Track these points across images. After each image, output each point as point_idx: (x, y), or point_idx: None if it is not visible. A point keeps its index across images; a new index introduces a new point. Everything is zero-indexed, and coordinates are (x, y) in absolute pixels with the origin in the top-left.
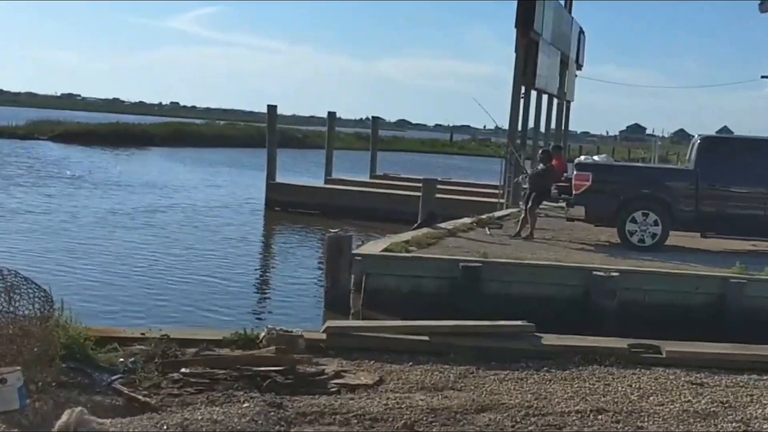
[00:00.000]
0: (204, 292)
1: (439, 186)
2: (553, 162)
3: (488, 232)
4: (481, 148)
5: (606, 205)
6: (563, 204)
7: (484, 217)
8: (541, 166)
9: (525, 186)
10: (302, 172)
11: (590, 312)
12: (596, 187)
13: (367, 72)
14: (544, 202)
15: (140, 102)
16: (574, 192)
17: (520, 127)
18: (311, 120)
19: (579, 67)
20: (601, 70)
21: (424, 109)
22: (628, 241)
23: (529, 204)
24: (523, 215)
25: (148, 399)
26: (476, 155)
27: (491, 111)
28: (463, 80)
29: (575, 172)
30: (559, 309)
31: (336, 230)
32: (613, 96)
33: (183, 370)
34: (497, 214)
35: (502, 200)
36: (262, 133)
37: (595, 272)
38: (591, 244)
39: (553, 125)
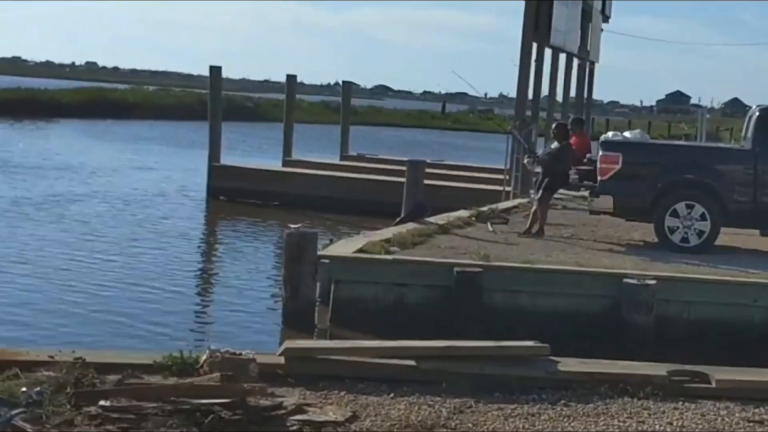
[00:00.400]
0: (130, 304)
1: (428, 170)
2: (572, 139)
3: (491, 229)
4: (481, 122)
5: (640, 194)
6: (585, 193)
7: (485, 209)
8: (554, 144)
9: (537, 170)
10: (254, 151)
11: (620, 330)
12: (627, 171)
13: (336, 24)
14: (561, 191)
15: (47, 62)
16: (599, 177)
17: (531, 96)
18: (266, 85)
19: (605, 19)
20: (633, 23)
21: (409, 73)
22: (667, 240)
23: (539, 193)
24: (534, 207)
25: None
26: (475, 131)
27: (493, 75)
28: (457, 35)
29: (601, 153)
30: (581, 326)
31: (297, 226)
32: (648, 56)
33: (102, 402)
34: (502, 205)
35: (508, 188)
36: (203, 101)
37: (626, 279)
38: (621, 243)
39: (572, 93)
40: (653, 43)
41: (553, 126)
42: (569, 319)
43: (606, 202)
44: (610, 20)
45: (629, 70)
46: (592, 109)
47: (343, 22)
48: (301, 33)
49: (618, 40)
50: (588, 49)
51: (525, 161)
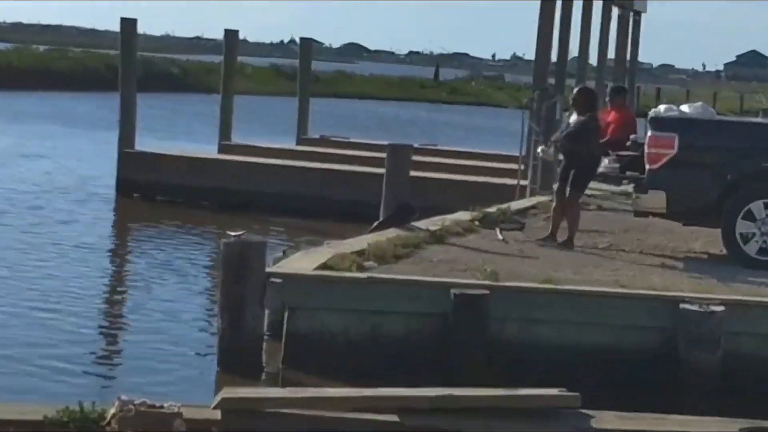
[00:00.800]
0: (13, 340)
1: (415, 157)
2: (611, 115)
3: (500, 236)
4: (488, 93)
5: (702, 189)
6: (629, 187)
7: (492, 210)
8: (573, 117)
9: (560, 158)
10: (181, 133)
11: (674, 373)
12: (685, 159)
13: None
14: (594, 185)
15: None
16: (647, 167)
17: (555, 57)
18: (196, 44)
19: None
20: None
21: (390, 28)
22: (739, 252)
23: (567, 189)
24: (555, 204)
25: None
26: (480, 104)
27: (504, 30)
28: None
29: (650, 133)
30: (622, 367)
31: (238, 233)
32: (713, 4)
33: None
34: (515, 205)
35: (524, 182)
36: (112, 65)
37: (683, 305)
38: (676, 256)
39: (611, 54)
40: None
41: (574, 91)
42: (606, 359)
43: (656, 199)
44: None
45: (687, 23)
46: (637, 75)
47: None
48: None
49: None
50: None
51: (539, 151)
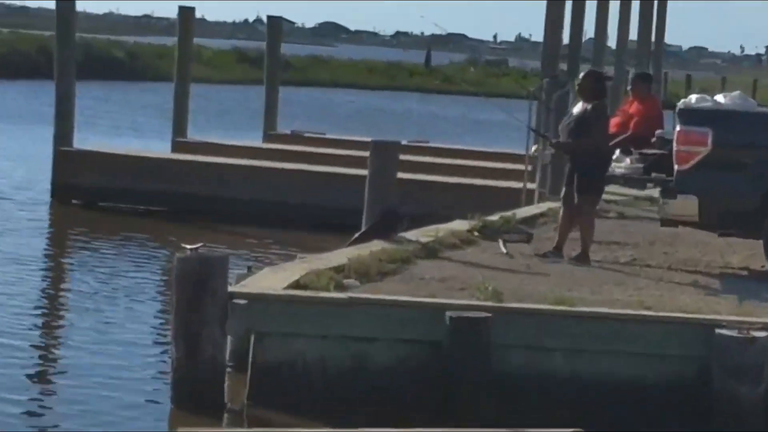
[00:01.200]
0: None
1: (404, 156)
2: (633, 106)
3: (504, 250)
4: (489, 80)
5: (741, 193)
6: (654, 191)
7: (495, 218)
8: (577, 107)
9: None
10: (128, 128)
11: (710, 408)
12: (721, 158)
13: None
14: (612, 189)
15: None
16: (676, 167)
17: (567, 39)
18: (145, 24)
19: None
20: None
21: (374, 5)
22: None
23: (576, 194)
24: (562, 212)
25: None
26: (480, 94)
27: (507, 9)
28: None
29: (679, 128)
30: (648, 403)
31: (196, 246)
32: None
33: None
34: (521, 212)
35: (531, 185)
36: (46, 49)
37: (719, 330)
38: (711, 273)
39: (633, 34)
40: None
41: (581, 76)
42: (628, 393)
43: (687, 206)
44: None
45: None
46: (664, 59)
47: None
48: None
49: None
50: None
51: (533, 150)
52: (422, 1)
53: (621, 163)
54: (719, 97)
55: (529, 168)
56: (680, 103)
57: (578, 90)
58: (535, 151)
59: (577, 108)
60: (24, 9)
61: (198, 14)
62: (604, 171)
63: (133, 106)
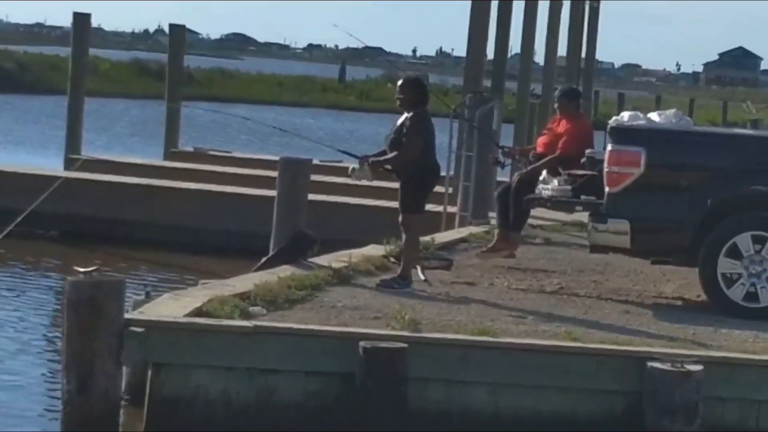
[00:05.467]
0: None
1: (315, 176)
2: (561, 123)
3: (422, 277)
4: None
5: (675, 217)
6: (582, 215)
7: None
8: (401, 118)
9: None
10: (16, 144)
11: None
12: (654, 179)
13: None
14: (540, 213)
15: None
16: (607, 189)
17: (491, 53)
18: (37, 33)
19: None
20: None
21: (284, 16)
22: (722, 297)
23: (400, 211)
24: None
25: None
26: (397, 111)
27: (428, 21)
28: None
29: (610, 147)
30: None
31: (88, 269)
32: None
33: None
34: (441, 237)
35: (452, 208)
36: None
37: (651, 364)
38: (644, 303)
39: (563, 50)
40: None
41: (398, 84)
42: (556, 429)
43: (618, 231)
44: None
45: (657, 13)
46: (596, 76)
47: None
48: None
49: None
50: None
51: (350, 172)
52: (339, 9)
53: (548, 185)
54: (653, 115)
55: (450, 190)
56: (612, 121)
57: (399, 101)
58: (352, 171)
59: (401, 119)
60: None
61: (94, 23)
62: (425, 183)
63: (23, 121)
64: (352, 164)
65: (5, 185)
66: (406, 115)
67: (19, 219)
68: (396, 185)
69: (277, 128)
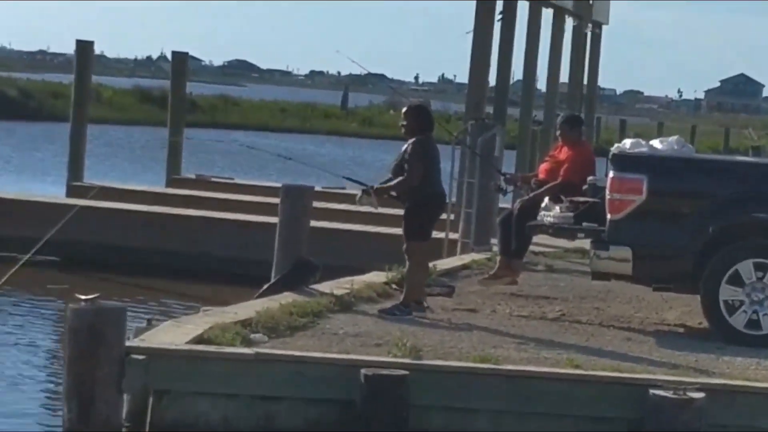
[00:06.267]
0: None
1: (318, 203)
2: (563, 150)
3: (423, 303)
4: None
5: (677, 245)
6: (584, 242)
7: None
8: (405, 145)
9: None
10: (19, 171)
11: None
12: (656, 207)
13: None
14: (541, 239)
15: None
16: (609, 216)
17: (494, 80)
18: (41, 60)
19: None
20: None
21: (287, 43)
22: (724, 324)
23: (404, 238)
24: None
25: None
26: (399, 138)
27: (431, 48)
28: None
29: (612, 174)
30: None
31: (90, 296)
32: (691, 16)
33: None
34: (443, 264)
35: (454, 235)
36: None
37: (653, 391)
38: (645, 330)
39: (564, 76)
40: None
41: (402, 112)
42: None
43: (620, 258)
44: None
45: (659, 39)
46: (598, 103)
47: None
48: None
49: None
50: (590, 2)
51: (357, 199)
52: (341, 36)
53: (550, 212)
54: (655, 142)
55: (452, 217)
56: (614, 148)
57: (403, 128)
58: (358, 199)
59: (405, 146)
60: None
61: (97, 50)
62: (428, 210)
63: (25, 148)
64: (357, 191)
65: (5, 212)
66: (409, 141)
67: (37, 246)
68: (398, 212)
69: (282, 156)
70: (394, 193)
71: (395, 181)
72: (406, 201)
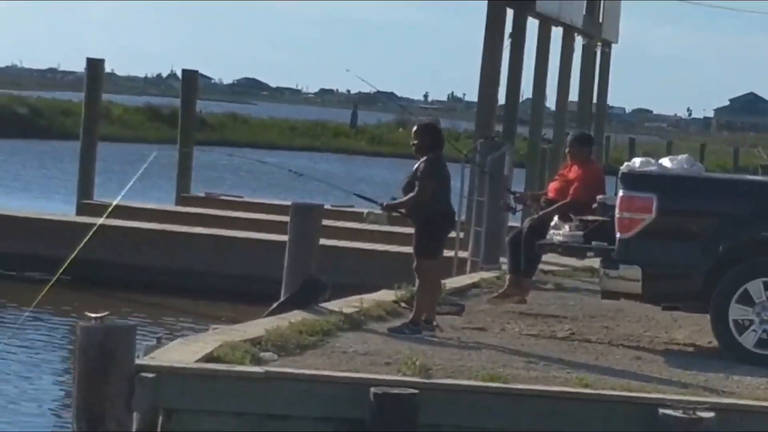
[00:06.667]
0: None
1: (327, 221)
2: (572, 169)
3: (434, 322)
4: None
5: (686, 263)
6: (594, 261)
7: None
8: (417, 163)
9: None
10: (30, 189)
11: None
12: (666, 225)
13: None
14: (550, 258)
15: None
16: (618, 235)
17: (503, 98)
18: (51, 78)
19: None
20: None
21: (296, 61)
22: (733, 343)
23: (414, 255)
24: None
25: None
26: (408, 156)
27: (440, 66)
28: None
29: (621, 193)
30: None
31: (100, 315)
32: (700, 34)
33: None
34: (452, 282)
35: (463, 254)
36: None
37: (663, 410)
38: (655, 349)
39: (574, 95)
40: (709, 12)
41: (413, 131)
42: None
43: (629, 277)
44: None
45: (668, 57)
46: (607, 121)
47: None
48: None
49: (650, 7)
50: (600, 20)
51: (365, 216)
52: (350, 54)
53: (559, 231)
54: (665, 161)
55: (461, 235)
56: (623, 167)
57: (414, 147)
58: (366, 216)
59: (416, 165)
60: None
61: (108, 68)
62: (438, 228)
63: (35, 166)
64: (366, 209)
65: (16, 230)
66: (421, 160)
67: (64, 266)
68: (407, 230)
69: (293, 172)
70: (403, 210)
71: (405, 198)
72: (416, 218)
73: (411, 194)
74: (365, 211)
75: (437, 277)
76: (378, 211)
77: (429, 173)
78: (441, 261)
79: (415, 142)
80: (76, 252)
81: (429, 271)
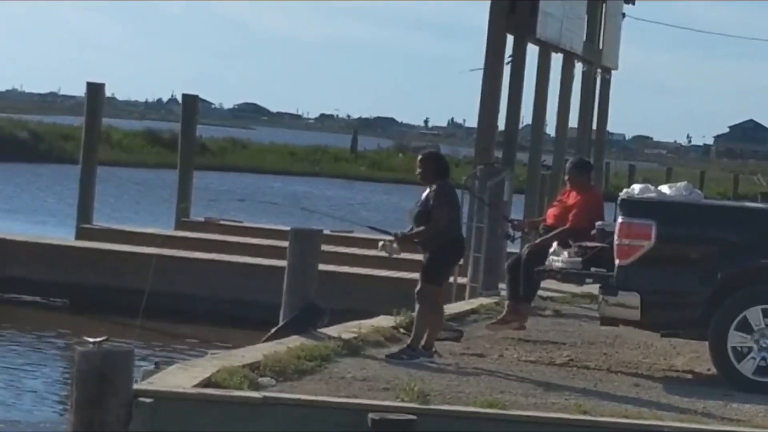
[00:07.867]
0: None
1: (326, 247)
2: (571, 195)
3: (432, 348)
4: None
5: (685, 290)
6: (593, 287)
7: None
8: (425, 192)
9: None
10: (29, 213)
11: None
12: (665, 252)
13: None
14: (549, 285)
15: None
16: (617, 261)
17: (503, 125)
18: (51, 102)
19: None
20: (674, 7)
21: (295, 86)
22: (732, 371)
23: (420, 280)
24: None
25: None
26: (408, 182)
27: (440, 92)
28: (381, 23)
29: (620, 219)
30: None
31: (98, 339)
32: (700, 61)
33: None
34: (452, 308)
35: (462, 279)
36: None
37: None
38: (653, 376)
39: (574, 121)
40: (708, 39)
41: (418, 159)
42: None
43: (628, 303)
44: (636, 1)
45: (668, 84)
46: (607, 148)
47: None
48: (109, 13)
49: (650, 34)
50: (600, 47)
51: (380, 246)
52: (350, 80)
53: (558, 257)
54: (664, 188)
55: (460, 261)
56: (622, 193)
57: (420, 176)
58: (382, 246)
59: (425, 193)
60: None
61: (108, 92)
62: (450, 256)
63: (35, 190)
64: (366, 234)
65: (14, 254)
66: (429, 188)
67: (144, 298)
68: (407, 257)
69: (306, 209)
70: (417, 240)
71: (422, 228)
72: (431, 246)
73: (427, 226)
74: (380, 241)
75: (440, 305)
76: (392, 242)
77: (442, 201)
78: (444, 289)
79: (420, 170)
80: (149, 287)
81: (431, 298)
